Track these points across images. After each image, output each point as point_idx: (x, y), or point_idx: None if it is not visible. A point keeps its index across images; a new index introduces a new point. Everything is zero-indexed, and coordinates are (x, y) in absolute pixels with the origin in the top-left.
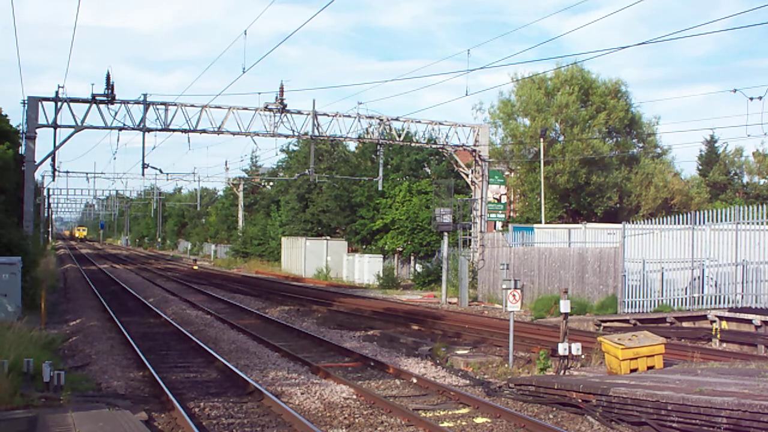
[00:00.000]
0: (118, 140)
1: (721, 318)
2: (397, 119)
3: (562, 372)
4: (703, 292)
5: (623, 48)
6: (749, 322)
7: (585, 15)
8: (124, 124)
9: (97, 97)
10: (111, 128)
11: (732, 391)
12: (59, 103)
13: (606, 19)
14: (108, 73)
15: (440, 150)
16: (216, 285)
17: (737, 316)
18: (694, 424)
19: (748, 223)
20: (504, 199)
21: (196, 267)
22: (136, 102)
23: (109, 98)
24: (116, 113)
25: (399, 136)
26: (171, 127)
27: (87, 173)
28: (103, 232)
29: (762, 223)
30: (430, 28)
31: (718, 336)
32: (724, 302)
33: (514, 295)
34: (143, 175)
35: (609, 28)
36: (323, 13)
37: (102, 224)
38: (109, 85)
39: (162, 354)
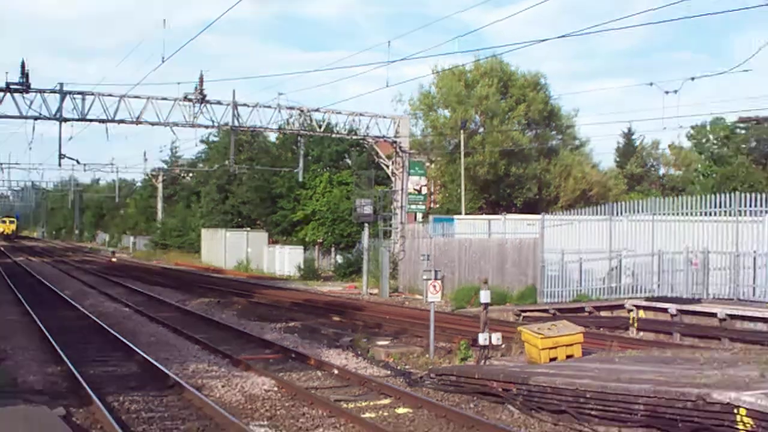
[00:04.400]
0: (33, 130)
1: (638, 307)
2: (317, 110)
3: (483, 362)
4: (620, 282)
5: (543, 41)
6: (665, 311)
7: (506, 8)
8: (40, 114)
9: (12, 86)
10: (26, 118)
11: (649, 378)
12: None
13: (527, 12)
14: (23, 61)
15: (361, 141)
16: (135, 277)
17: (654, 305)
18: (613, 411)
19: (663, 214)
20: (424, 191)
21: (114, 259)
22: (53, 91)
23: (24, 87)
24: (32, 102)
25: (320, 127)
26: (88, 116)
27: (1, 164)
28: (18, 224)
29: (677, 214)
30: (356, 18)
31: (636, 325)
32: (641, 291)
33: (434, 286)
34: (60, 165)
35: (530, 21)
36: (247, 1)
37: (17, 216)
38: (24, 74)
39: (80, 348)
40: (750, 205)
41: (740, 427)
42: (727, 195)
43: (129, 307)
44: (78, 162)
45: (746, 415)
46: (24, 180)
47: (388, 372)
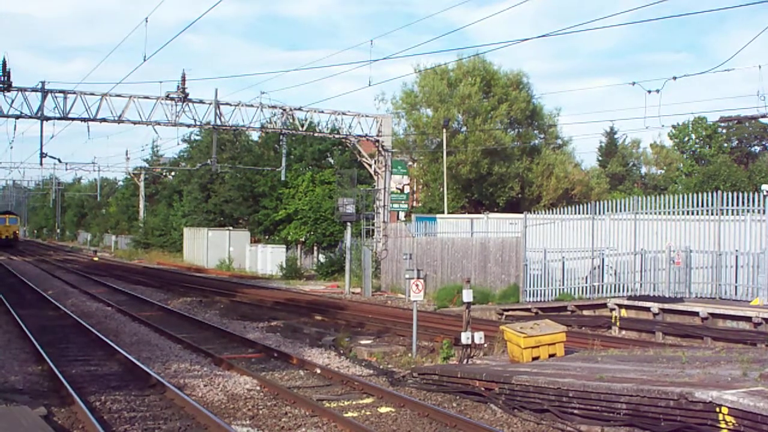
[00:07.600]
0: (15, 129)
1: (620, 306)
2: (300, 109)
3: (465, 361)
4: (603, 281)
5: (525, 40)
6: (647, 309)
7: (489, 7)
8: (21, 113)
9: None
10: (7, 116)
11: (631, 377)
12: None
13: (511, 12)
14: (4, 59)
15: (343, 140)
16: (117, 276)
17: (636, 304)
18: (595, 410)
19: (646, 213)
20: (407, 190)
21: (96, 258)
22: (34, 90)
23: (6, 85)
24: (13, 101)
25: (302, 125)
26: (70, 115)
27: None
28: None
29: (659, 213)
30: (336, 17)
31: (618, 324)
32: (623, 290)
33: (417, 285)
34: (41, 164)
35: (513, 21)
36: (228, 1)
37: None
38: (6, 72)
39: (61, 347)
40: (732, 204)
41: (722, 425)
42: (709, 194)
43: (111, 307)
44: (59, 161)
45: (728, 414)
46: (5, 179)
47: (371, 371)
